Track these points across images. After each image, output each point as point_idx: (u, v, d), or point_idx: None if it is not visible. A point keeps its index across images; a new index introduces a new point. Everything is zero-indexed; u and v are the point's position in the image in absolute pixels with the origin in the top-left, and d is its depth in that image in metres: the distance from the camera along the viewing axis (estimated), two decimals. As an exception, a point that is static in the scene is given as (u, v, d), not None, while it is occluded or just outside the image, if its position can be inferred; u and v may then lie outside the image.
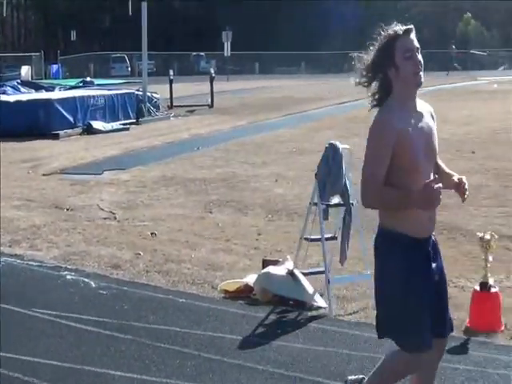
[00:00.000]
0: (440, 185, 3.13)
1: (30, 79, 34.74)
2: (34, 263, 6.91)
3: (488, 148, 14.15)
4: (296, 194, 10.00)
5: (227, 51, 47.81)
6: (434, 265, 3.38)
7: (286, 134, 17.82)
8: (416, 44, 3.26)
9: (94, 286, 6.21)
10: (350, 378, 4.01)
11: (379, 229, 3.38)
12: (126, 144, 16.46)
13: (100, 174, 12.24)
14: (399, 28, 3.26)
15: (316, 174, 5.67)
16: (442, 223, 8.01)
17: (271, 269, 5.82)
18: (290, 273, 5.73)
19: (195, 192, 10.46)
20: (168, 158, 13.95)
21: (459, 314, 5.21)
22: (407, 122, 3.24)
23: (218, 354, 4.77)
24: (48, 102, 18.64)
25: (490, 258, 5.03)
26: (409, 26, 3.27)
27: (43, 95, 21.39)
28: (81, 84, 29.86)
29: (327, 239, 5.73)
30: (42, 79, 43.07)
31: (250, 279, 5.94)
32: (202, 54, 61.41)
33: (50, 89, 25.15)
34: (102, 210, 9.30)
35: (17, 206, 9.61)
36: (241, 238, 7.76)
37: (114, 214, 9.03)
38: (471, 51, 54.72)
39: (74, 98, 19.44)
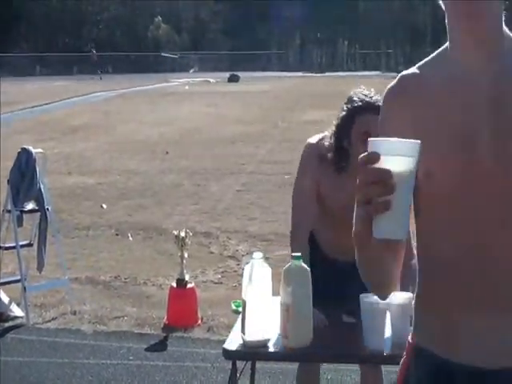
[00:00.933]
0: None
1: None
2: None
3: (181, 148, 14.68)
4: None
5: None
6: None
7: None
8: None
9: None
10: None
11: None
12: None
13: None
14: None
15: (8, 180, 5.47)
16: (139, 223, 8.19)
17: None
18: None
19: None
20: None
21: (158, 312, 5.37)
22: None
23: None
24: None
25: (186, 255, 5.23)
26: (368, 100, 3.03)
27: None
28: None
29: (23, 246, 5.55)
30: None
31: None
32: None
33: None
34: None
35: None
36: None
37: None
38: (162, 54, 56.22)
39: None
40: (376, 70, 46.89)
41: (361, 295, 2.66)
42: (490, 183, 1.41)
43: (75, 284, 6.13)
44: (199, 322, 5.29)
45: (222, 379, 4.26)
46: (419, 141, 1.27)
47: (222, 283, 6.32)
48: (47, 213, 5.55)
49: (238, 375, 2.94)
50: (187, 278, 5.28)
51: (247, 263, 2.77)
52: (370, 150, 1.26)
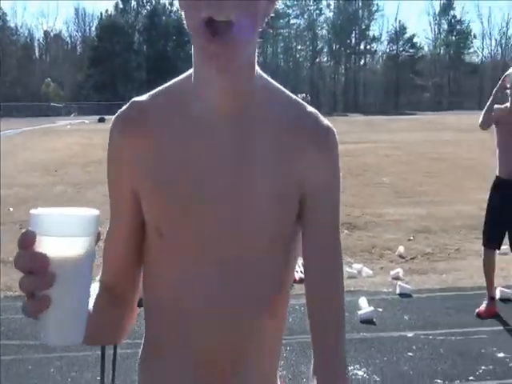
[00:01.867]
0: None
1: None
2: None
3: (67, 167, 18.35)
4: None
5: None
6: None
7: None
8: None
9: None
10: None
11: None
12: None
13: None
14: None
15: None
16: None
17: None
18: None
19: None
20: None
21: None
22: None
23: None
24: None
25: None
26: None
27: None
28: None
29: None
30: None
31: None
32: None
33: None
34: None
35: None
36: None
37: None
38: (51, 103, 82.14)
39: None
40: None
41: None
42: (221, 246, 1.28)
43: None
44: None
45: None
46: (97, 211, 0.99)
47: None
48: None
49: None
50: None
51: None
52: (30, 226, 0.96)
